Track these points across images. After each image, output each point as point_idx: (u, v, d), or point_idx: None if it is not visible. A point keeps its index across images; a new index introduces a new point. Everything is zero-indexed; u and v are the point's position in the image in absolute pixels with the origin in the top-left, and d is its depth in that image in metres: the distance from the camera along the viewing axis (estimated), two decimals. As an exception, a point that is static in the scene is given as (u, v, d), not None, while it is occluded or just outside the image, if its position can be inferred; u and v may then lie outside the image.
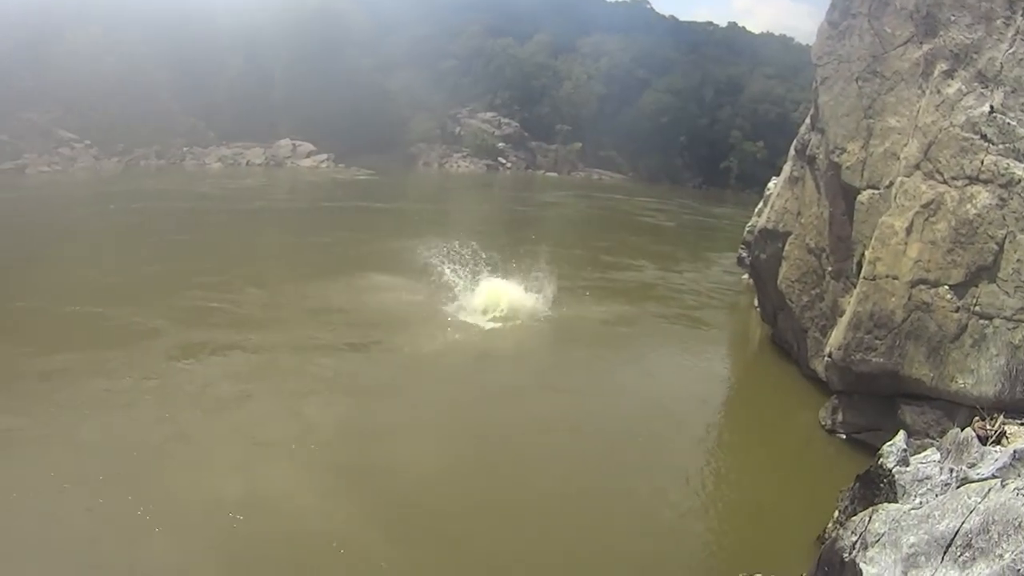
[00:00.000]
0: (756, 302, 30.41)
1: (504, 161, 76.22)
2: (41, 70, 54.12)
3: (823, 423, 20.47)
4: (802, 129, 25.15)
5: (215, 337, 22.85)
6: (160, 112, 59.61)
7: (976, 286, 16.84)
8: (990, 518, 9.17)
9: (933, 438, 15.67)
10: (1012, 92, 16.88)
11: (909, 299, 17.72)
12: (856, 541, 10.56)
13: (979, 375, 16.63)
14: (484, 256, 29.79)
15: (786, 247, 24.68)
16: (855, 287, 19.89)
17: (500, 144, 76.93)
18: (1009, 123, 16.73)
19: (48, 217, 38.01)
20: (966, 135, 17.27)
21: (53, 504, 14.01)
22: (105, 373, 19.62)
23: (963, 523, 9.41)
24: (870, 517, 10.82)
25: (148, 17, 61.02)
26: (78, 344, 21.37)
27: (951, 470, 11.45)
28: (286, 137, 66.24)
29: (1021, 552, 8.53)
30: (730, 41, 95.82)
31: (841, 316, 20.51)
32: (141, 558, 12.87)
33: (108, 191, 45.33)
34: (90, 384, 18.94)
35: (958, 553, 9.14)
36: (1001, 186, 16.56)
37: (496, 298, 27.25)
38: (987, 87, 17.28)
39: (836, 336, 19.94)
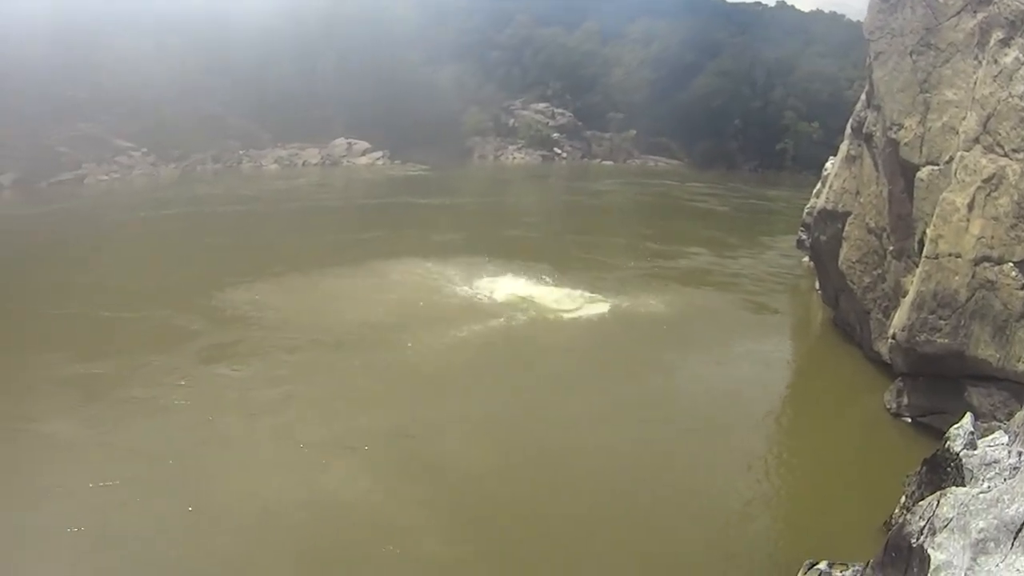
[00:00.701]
0: (817, 285, 30.00)
1: (559, 151, 76.10)
2: (94, 82, 55.29)
3: (888, 406, 20.08)
4: (858, 107, 24.72)
5: (254, 337, 23.14)
6: (214, 117, 60.57)
7: (1042, 262, 16.38)
8: (1061, 502, 8.92)
9: (1000, 420, 15.28)
10: (1074, 59, 16.37)
11: (973, 277, 17.27)
12: (924, 526, 10.31)
13: (1048, 354, 16.17)
14: (537, 248, 29.79)
15: (846, 228, 24.27)
16: (917, 266, 19.45)
17: (554, 134, 76.85)
18: (1072, 91, 16.22)
19: (98, 224, 38.85)
20: (1027, 106, 16.77)
21: (105, 503, 14.39)
22: (144, 377, 19.93)
23: (1033, 507, 9.16)
24: (938, 501, 10.55)
25: (195, 25, 61.88)
26: (119, 348, 21.74)
27: (1020, 453, 11.15)
28: (340, 135, 66.80)
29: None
30: (779, 20, 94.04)
31: (904, 296, 20.09)
32: (192, 553, 13.19)
33: (159, 197, 46.30)
34: (130, 389, 19.25)
35: (1029, 538, 8.91)
36: (1066, 157, 16.07)
37: (549, 289, 27.23)
38: (1047, 55, 16.78)
39: (899, 317, 19.54)
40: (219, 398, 18.97)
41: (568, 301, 26.89)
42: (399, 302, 26.53)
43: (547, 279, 27.73)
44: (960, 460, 11.70)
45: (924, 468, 13.23)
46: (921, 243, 19.49)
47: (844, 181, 24.70)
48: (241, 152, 61.81)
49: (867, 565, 11.33)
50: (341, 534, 13.91)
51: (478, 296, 27.20)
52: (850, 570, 11.77)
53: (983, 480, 10.97)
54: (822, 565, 12.43)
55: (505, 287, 27.53)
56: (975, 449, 11.82)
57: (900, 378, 20.03)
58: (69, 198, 45.01)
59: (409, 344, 22.99)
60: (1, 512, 14.08)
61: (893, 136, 20.66)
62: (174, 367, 20.65)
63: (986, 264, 17.12)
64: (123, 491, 14.81)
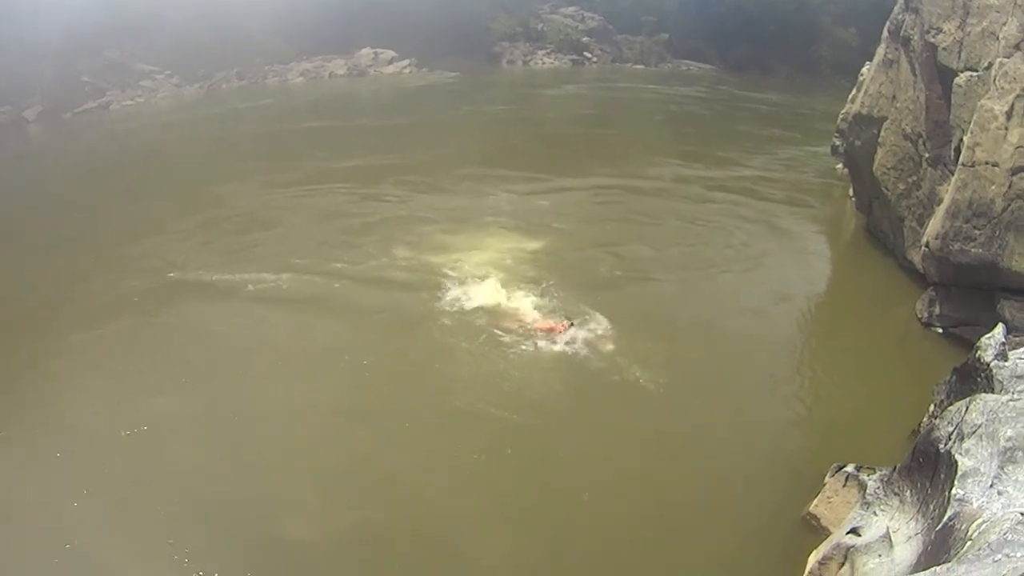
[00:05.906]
0: (851, 191, 29.69)
1: (589, 55, 74.83)
2: (115, 8, 54.64)
3: (919, 316, 20.11)
4: (896, 9, 24.09)
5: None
6: (238, 34, 59.89)
7: (1081, 172, 16.17)
8: (1089, 413, 8.98)
9: (1033, 333, 15.30)
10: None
11: (1009, 187, 17.10)
12: (952, 432, 10.38)
13: (1083, 268, 16.08)
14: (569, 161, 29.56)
15: (881, 133, 23.91)
16: (953, 174, 19.24)
17: (584, 38, 75.48)
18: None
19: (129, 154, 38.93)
20: (1071, 9, 16.35)
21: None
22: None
23: (1062, 418, 9.24)
24: (967, 407, 10.58)
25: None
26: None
27: (1052, 365, 11.18)
28: (367, 46, 66.09)
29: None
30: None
31: (939, 205, 19.92)
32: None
33: (172, 121, 46.31)
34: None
35: (1056, 449, 9.01)
36: (1109, 62, 15.71)
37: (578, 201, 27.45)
38: (1095, -45, 16.27)
39: (934, 225, 19.42)
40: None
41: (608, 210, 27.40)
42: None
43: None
44: (991, 370, 11.75)
45: (954, 377, 13.29)
46: (958, 150, 19.23)
47: (880, 85, 24.24)
48: (266, 67, 61.38)
49: (894, 469, 11.51)
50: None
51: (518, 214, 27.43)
52: (877, 474, 11.94)
53: (1013, 393, 11.02)
54: (850, 468, 12.68)
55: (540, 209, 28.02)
56: (1006, 360, 11.86)
57: (932, 288, 20.01)
58: (94, 127, 45.08)
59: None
60: None
61: (931, 40, 20.21)
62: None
63: (1023, 174, 16.93)
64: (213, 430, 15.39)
